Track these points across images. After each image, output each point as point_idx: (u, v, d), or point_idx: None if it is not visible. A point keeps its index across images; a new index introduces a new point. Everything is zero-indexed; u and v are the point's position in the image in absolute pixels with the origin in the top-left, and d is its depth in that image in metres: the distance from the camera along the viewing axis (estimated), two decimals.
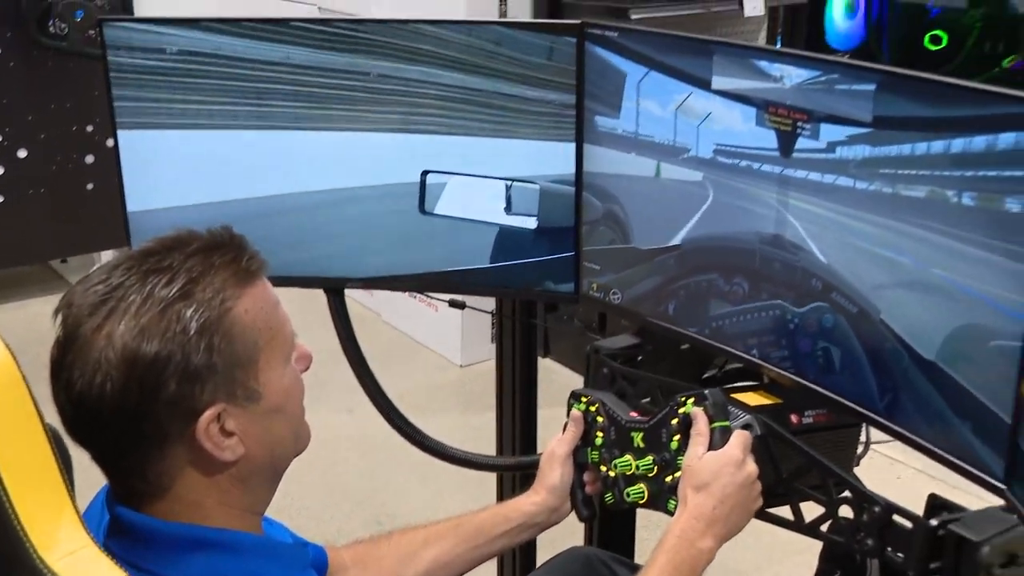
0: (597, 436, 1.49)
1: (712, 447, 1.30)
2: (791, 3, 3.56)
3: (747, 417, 1.45)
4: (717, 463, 1.28)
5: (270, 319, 1.06)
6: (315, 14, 4.00)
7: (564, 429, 1.50)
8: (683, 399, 1.40)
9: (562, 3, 3.20)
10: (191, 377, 0.99)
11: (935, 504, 1.33)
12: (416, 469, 2.91)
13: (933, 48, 1.88)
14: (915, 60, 1.88)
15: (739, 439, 1.31)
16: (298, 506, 2.86)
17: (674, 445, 1.39)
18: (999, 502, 1.27)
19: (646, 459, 1.42)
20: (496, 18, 3.32)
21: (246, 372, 1.04)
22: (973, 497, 1.32)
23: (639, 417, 1.48)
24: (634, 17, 2.90)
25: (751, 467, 1.30)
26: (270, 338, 1.06)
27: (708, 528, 1.26)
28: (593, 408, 1.51)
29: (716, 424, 1.35)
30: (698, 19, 3.24)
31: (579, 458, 1.50)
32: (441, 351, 3.91)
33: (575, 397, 1.55)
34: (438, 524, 1.38)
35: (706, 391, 1.39)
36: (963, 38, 1.89)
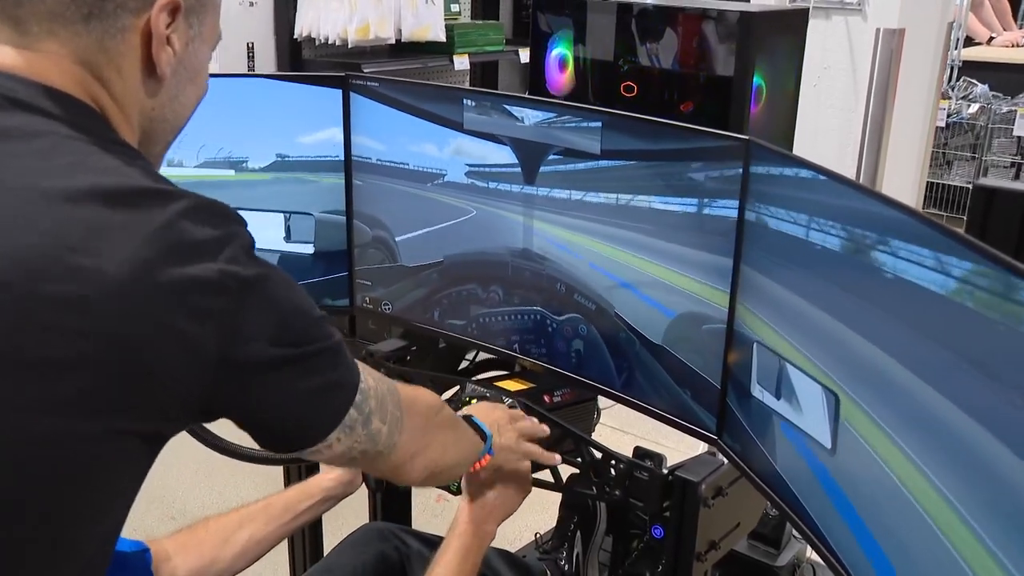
0: None
1: None
2: (484, 61, 3.73)
3: (510, 401, 1.50)
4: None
5: None
6: None
7: None
8: (468, 399, 1.43)
9: (303, 60, 3.17)
10: None
11: (641, 454, 1.47)
12: (202, 465, 2.86)
13: (628, 96, 2.02)
14: (615, 105, 2.01)
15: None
16: None
17: None
18: (692, 452, 1.39)
19: None
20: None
21: None
22: (659, 446, 1.47)
23: None
24: (366, 71, 2.91)
25: (525, 464, 1.37)
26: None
27: (490, 514, 1.34)
28: None
29: None
30: (417, 71, 3.30)
31: None
32: None
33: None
34: (249, 507, 1.36)
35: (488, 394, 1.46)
36: (648, 88, 2.03)
